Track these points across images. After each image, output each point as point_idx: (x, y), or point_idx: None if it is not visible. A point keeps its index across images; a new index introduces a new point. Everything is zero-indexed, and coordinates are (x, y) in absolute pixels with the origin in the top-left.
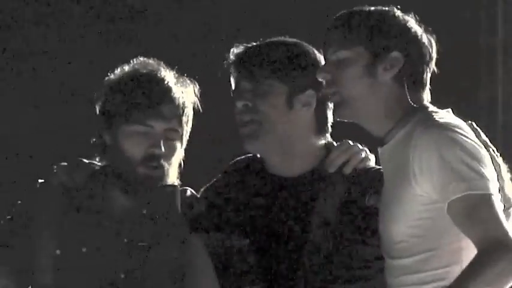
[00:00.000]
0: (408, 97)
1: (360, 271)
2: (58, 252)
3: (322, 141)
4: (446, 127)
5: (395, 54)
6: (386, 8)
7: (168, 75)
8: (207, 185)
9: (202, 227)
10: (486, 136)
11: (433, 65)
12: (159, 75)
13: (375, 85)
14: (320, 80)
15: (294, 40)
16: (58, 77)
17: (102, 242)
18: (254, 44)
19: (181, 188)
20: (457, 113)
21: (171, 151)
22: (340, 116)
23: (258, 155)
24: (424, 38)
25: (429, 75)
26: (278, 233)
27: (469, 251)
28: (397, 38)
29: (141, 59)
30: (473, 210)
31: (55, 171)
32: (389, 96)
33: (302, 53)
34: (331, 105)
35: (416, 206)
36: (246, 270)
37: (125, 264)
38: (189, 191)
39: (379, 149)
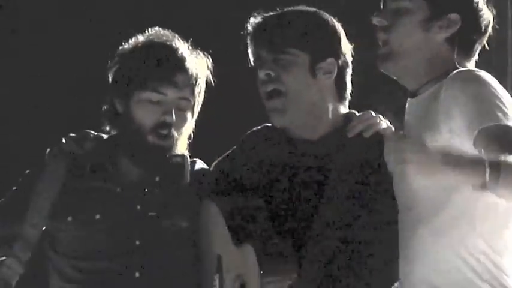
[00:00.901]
0: (455, 60)
1: (376, 231)
2: (70, 219)
3: (344, 110)
4: (476, 71)
5: (454, 16)
6: None
7: (183, 46)
8: (224, 155)
9: (219, 192)
10: None
11: (484, 40)
12: (173, 45)
13: (427, 40)
14: (375, 23)
15: (312, 9)
16: (65, 53)
17: (116, 209)
18: (272, 13)
19: (191, 160)
20: None
21: (182, 120)
22: (384, 68)
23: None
24: (486, 11)
25: (479, 48)
26: (297, 194)
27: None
28: (459, 1)
29: (156, 28)
30: (504, 136)
31: (64, 141)
32: (437, 55)
33: (321, 21)
34: (349, 71)
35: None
36: (263, 230)
37: (139, 231)
38: (199, 162)
39: (409, 100)
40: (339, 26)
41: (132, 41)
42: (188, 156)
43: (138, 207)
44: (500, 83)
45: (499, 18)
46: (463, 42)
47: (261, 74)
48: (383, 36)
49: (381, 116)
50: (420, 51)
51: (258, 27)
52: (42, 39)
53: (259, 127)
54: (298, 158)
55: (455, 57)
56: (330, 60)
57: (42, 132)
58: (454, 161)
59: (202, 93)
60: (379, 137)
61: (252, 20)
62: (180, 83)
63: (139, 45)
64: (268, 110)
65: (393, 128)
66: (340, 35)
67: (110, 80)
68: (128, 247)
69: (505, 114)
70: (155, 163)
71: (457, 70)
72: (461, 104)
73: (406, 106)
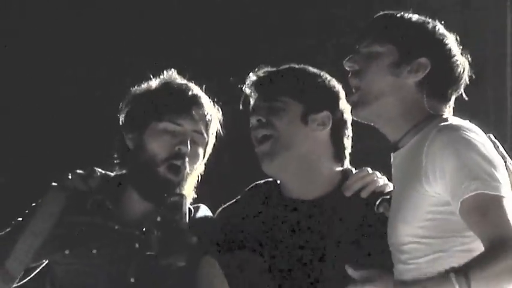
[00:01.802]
0: (426, 105)
1: None
2: (67, 252)
3: (340, 168)
4: (461, 128)
5: (422, 60)
6: (428, 19)
7: (197, 88)
8: (225, 205)
9: (219, 247)
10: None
11: (461, 87)
12: (189, 84)
13: (396, 85)
14: (347, 68)
15: (313, 69)
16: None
17: (113, 246)
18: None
19: (194, 205)
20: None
21: (195, 154)
22: (358, 115)
23: (278, 181)
24: (459, 58)
25: (454, 94)
26: (294, 255)
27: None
28: (430, 45)
29: (170, 71)
30: (485, 209)
31: (70, 177)
32: (408, 99)
33: (318, 77)
34: (348, 132)
35: (426, 207)
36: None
37: (135, 268)
38: (203, 208)
39: (392, 154)
40: (339, 86)
41: (146, 83)
42: (186, 197)
43: (136, 245)
44: (500, 118)
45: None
46: (433, 86)
47: (253, 120)
48: (354, 81)
49: (377, 173)
50: (390, 95)
51: (255, 79)
52: (52, 81)
53: (262, 182)
54: (296, 219)
55: (426, 102)
56: (325, 113)
57: (50, 168)
58: None
59: (214, 135)
60: (376, 195)
61: (252, 74)
62: (196, 117)
63: (155, 84)
64: (258, 155)
65: (391, 185)
66: (338, 93)
67: (122, 118)
68: (122, 284)
69: (488, 174)
70: (163, 197)
71: (440, 126)
72: (443, 171)
73: (391, 160)
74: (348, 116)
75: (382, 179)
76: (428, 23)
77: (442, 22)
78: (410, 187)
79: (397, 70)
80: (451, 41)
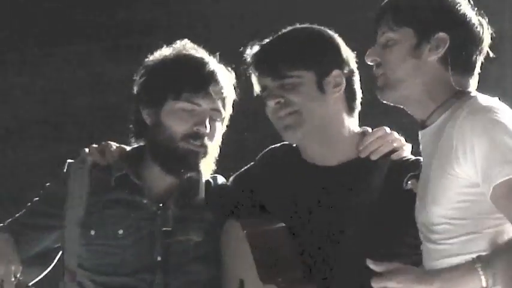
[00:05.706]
0: (452, 80)
1: (397, 260)
2: (92, 232)
3: (357, 127)
4: (492, 110)
5: (441, 34)
6: None
7: (212, 59)
8: (240, 171)
9: (239, 212)
10: None
11: (484, 49)
12: (204, 56)
13: (420, 66)
14: (369, 63)
15: (306, 26)
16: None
17: (139, 224)
18: (268, 40)
19: (212, 176)
20: None
21: (214, 131)
22: (385, 98)
23: (294, 144)
24: (474, 20)
25: (480, 58)
26: (316, 221)
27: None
28: (444, 18)
29: (183, 41)
30: None
31: (87, 150)
32: (433, 78)
33: (318, 36)
34: (357, 79)
35: (457, 189)
36: (284, 253)
37: (160, 246)
38: (220, 177)
39: (420, 132)
40: (335, 36)
41: (159, 53)
42: (203, 172)
43: (159, 222)
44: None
45: None
46: (456, 58)
47: (271, 104)
48: (379, 71)
49: (395, 133)
50: (415, 77)
51: (257, 57)
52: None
53: (278, 146)
54: (316, 186)
55: (452, 77)
56: (336, 72)
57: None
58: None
59: (231, 106)
60: (399, 161)
61: (249, 51)
62: (213, 94)
63: (169, 56)
64: (281, 128)
65: (409, 146)
66: (338, 44)
67: (137, 91)
68: (149, 263)
69: None
70: (187, 169)
71: (470, 108)
72: (473, 154)
73: (419, 138)
74: (354, 65)
75: (398, 140)
76: None
77: None
78: (441, 169)
79: (417, 52)
80: (463, 4)
